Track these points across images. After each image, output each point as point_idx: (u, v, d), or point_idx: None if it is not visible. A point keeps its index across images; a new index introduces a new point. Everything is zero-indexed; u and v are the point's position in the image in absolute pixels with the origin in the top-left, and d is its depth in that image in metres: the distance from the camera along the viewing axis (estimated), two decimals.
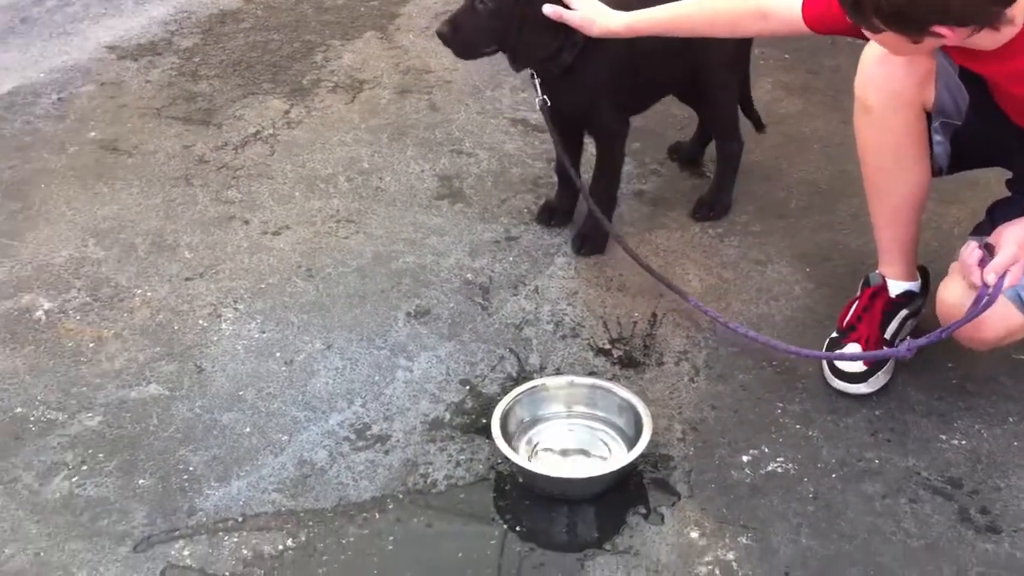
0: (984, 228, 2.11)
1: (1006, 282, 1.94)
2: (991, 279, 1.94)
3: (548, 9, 2.39)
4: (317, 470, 2.13)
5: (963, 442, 2.16)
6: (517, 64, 2.58)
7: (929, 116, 2.17)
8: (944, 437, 2.17)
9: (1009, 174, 2.26)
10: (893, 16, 1.76)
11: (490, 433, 2.10)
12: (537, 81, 2.61)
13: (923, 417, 2.22)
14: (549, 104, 2.61)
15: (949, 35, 1.78)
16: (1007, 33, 1.80)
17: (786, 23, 2.24)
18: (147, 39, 4.02)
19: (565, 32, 2.48)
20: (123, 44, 3.98)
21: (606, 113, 2.67)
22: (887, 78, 2.14)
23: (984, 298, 1.94)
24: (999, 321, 2.01)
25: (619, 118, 2.73)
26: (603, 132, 2.72)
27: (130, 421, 2.25)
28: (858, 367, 2.26)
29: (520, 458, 2.08)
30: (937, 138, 2.18)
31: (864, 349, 2.27)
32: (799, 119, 3.35)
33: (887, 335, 2.31)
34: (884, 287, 2.34)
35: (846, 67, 3.59)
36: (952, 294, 2.06)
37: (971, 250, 1.99)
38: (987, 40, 1.81)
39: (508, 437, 2.11)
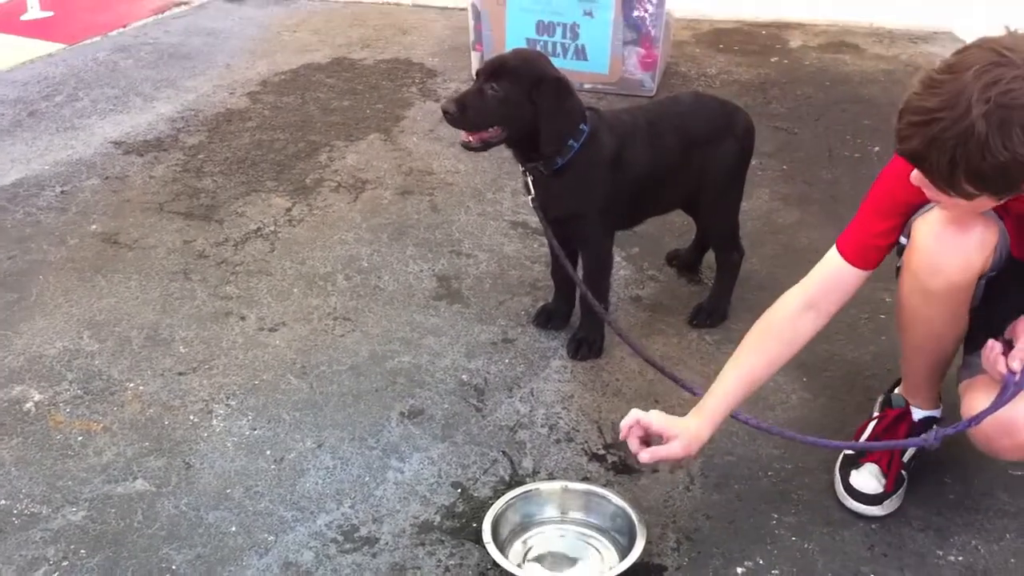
0: (978, 340, 2.08)
1: None
2: (1016, 365, 1.88)
3: (645, 456, 2.08)
4: (303, 572, 2.08)
5: (960, 558, 2.12)
6: (533, 153, 2.60)
7: None
8: (941, 553, 2.13)
9: None
10: (992, 179, 1.71)
11: (481, 538, 2.07)
12: (529, 179, 2.65)
13: (920, 532, 2.19)
14: (538, 203, 2.65)
15: None
16: None
17: (837, 287, 2.13)
18: (153, 135, 4.07)
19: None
20: (129, 140, 4.03)
21: (590, 223, 2.68)
22: (959, 265, 2.00)
23: (1011, 386, 1.89)
24: None
25: (604, 229, 2.74)
26: (585, 240, 2.73)
27: (115, 517, 2.21)
28: (875, 489, 2.23)
29: (511, 565, 2.04)
30: (980, 283, 2.11)
31: (884, 471, 2.24)
32: (796, 229, 3.38)
33: (904, 459, 2.28)
34: (908, 412, 2.31)
35: (843, 179, 3.66)
36: (979, 404, 1.98)
37: (991, 346, 1.96)
38: None
39: (500, 542, 2.08)
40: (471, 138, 2.59)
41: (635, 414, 2.11)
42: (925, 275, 2.04)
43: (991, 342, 1.96)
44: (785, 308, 2.18)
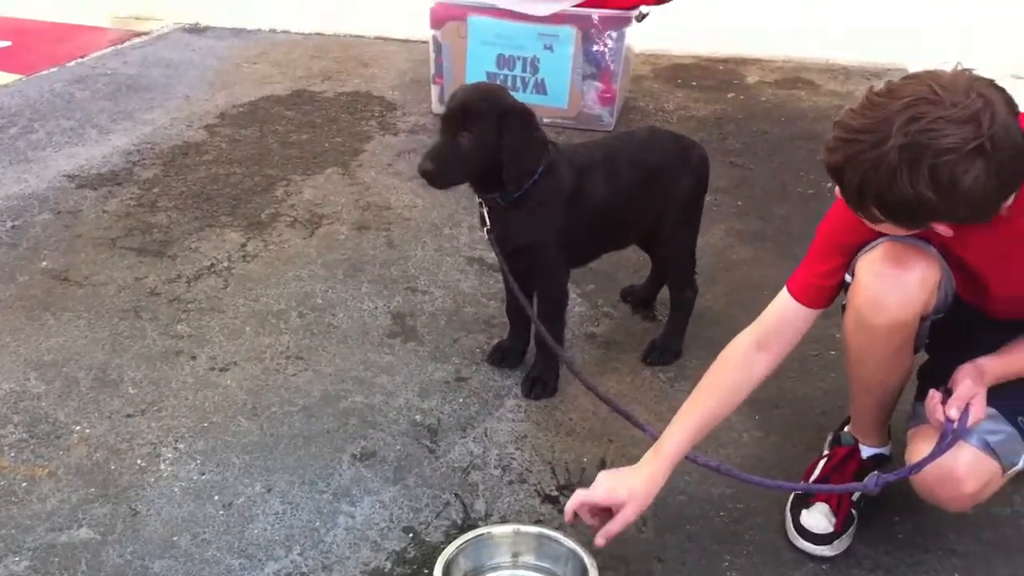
0: (927, 389, 2.09)
1: (970, 417, 1.91)
2: (953, 413, 1.91)
3: (600, 542, 2.08)
4: None
5: None
6: (493, 184, 2.57)
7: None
8: None
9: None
10: (896, 210, 1.75)
11: None
12: (485, 210, 2.64)
13: (870, 572, 2.19)
14: (495, 235, 2.64)
15: (946, 230, 1.81)
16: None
17: (788, 326, 2.15)
18: (108, 169, 4.04)
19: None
20: (83, 173, 4.00)
21: (548, 254, 2.68)
22: (900, 302, 2.02)
23: (949, 434, 1.92)
24: (974, 470, 1.98)
25: (560, 262, 2.73)
26: (542, 273, 2.72)
27: (58, 567, 2.17)
28: (826, 528, 2.23)
29: None
30: (926, 324, 2.13)
31: (833, 510, 2.25)
32: (750, 265, 3.39)
33: (854, 497, 2.29)
34: (857, 450, 2.34)
35: (797, 215, 3.69)
36: (921, 452, 2.00)
37: (931, 395, 1.98)
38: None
39: None
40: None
41: (578, 496, 2.10)
42: (868, 313, 2.06)
43: (931, 391, 1.98)
44: (737, 350, 2.20)
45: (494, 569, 2.18)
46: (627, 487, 2.08)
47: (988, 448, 1.98)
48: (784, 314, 2.17)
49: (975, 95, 1.67)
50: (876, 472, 2.23)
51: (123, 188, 3.88)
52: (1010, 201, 1.79)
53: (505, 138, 2.51)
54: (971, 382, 1.94)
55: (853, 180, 1.76)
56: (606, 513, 2.10)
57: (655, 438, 2.20)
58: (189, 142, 4.33)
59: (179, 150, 4.24)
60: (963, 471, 1.97)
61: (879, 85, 1.77)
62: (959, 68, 1.74)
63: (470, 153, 2.52)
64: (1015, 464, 2.03)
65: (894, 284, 2.01)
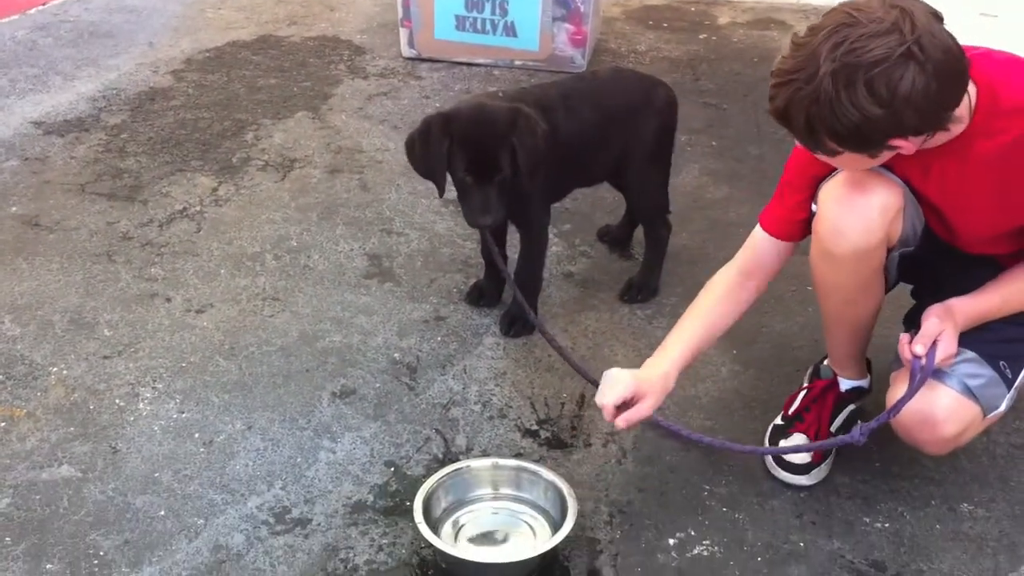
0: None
1: (939, 353, 1.94)
2: (919, 349, 1.94)
3: (621, 422, 2.10)
4: (233, 555, 2.05)
5: (886, 525, 2.16)
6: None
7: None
8: (868, 520, 2.17)
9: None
10: (849, 137, 1.75)
11: (414, 516, 2.06)
12: None
13: (847, 500, 2.22)
14: None
15: (906, 145, 1.80)
16: (955, 129, 1.83)
17: (764, 260, 2.21)
18: (74, 115, 3.98)
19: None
20: (49, 120, 3.93)
21: (532, 206, 2.69)
22: (861, 228, 2.02)
23: (917, 371, 1.95)
24: (954, 414, 2.00)
25: (543, 209, 2.76)
26: (527, 223, 2.74)
27: (40, 503, 2.16)
28: (803, 459, 2.26)
29: (442, 542, 2.03)
30: (894, 256, 2.14)
31: (811, 440, 2.28)
32: (725, 204, 3.40)
33: (832, 428, 2.33)
34: (836, 383, 2.36)
35: (770, 155, 3.70)
36: (898, 394, 2.02)
37: (902, 337, 2.00)
38: (939, 138, 1.84)
39: (432, 520, 2.07)
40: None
41: (607, 400, 2.10)
42: (830, 241, 2.08)
43: (903, 335, 2.00)
44: (723, 279, 2.25)
45: (474, 502, 2.20)
46: (648, 383, 2.12)
47: (968, 392, 2.01)
48: (759, 248, 2.21)
49: (888, 7, 1.70)
50: (859, 422, 2.23)
51: (90, 134, 3.82)
52: (966, 113, 1.82)
53: (520, 156, 2.48)
54: (937, 320, 1.96)
55: (799, 119, 1.77)
56: (622, 409, 2.12)
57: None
58: (156, 88, 4.26)
59: (146, 96, 4.18)
60: (943, 414, 2.00)
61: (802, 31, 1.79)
62: None
63: (508, 185, 2.51)
64: (996, 408, 2.06)
65: (854, 210, 2.03)
